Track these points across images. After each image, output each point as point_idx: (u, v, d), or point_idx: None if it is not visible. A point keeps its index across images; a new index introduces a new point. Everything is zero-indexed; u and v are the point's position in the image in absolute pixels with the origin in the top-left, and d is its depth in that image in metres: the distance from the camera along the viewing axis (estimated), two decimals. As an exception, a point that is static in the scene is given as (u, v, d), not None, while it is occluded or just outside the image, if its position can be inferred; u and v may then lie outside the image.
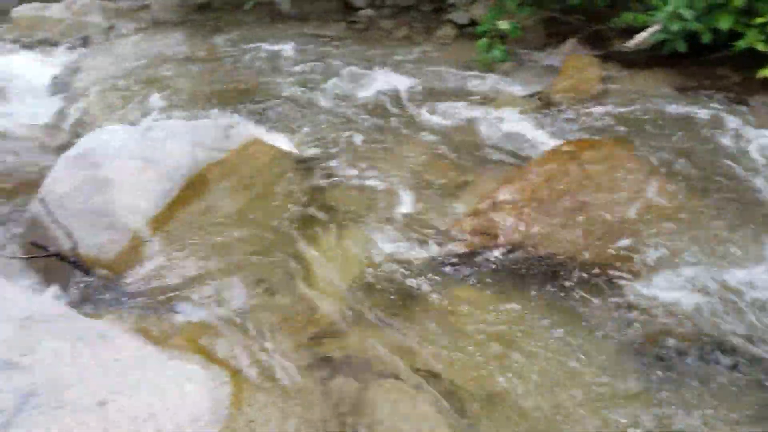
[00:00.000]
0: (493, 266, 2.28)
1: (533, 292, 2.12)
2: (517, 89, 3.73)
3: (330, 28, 4.79)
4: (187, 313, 2.09)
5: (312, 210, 2.72)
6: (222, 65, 4.20)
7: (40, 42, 4.94)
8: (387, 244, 2.48)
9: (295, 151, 3.24)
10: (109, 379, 1.52)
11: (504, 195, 2.52)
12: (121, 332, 1.73)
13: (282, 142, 3.37)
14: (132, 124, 3.10)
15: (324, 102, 3.77)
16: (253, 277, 2.30)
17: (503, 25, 3.80)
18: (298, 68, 4.20)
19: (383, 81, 4.00)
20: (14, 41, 5.06)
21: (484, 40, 3.85)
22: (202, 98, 3.73)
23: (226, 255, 2.38)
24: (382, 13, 4.91)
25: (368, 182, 2.91)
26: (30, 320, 1.63)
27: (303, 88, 3.93)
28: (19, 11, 5.30)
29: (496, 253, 2.31)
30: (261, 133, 3.42)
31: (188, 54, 4.33)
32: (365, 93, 3.88)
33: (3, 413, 1.30)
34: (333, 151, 3.23)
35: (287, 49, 4.47)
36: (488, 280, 2.21)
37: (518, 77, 3.87)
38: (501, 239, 2.35)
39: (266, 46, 4.49)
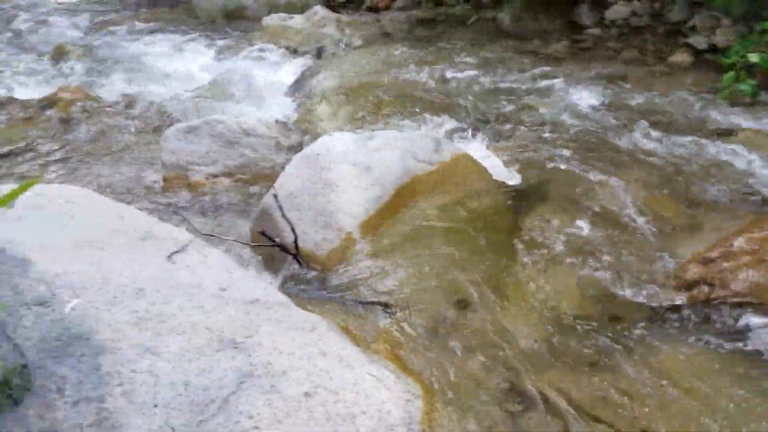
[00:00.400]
0: (719, 324, 2.02)
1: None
2: (762, 126, 3.30)
3: (552, 47, 4.67)
4: (386, 318, 2.16)
5: (517, 234, 2.66)
6: (440, 78, 4.31)
7: (281, 49, 5.50)
8: (594, 282, 2.34)
9: (503, 170, 3.20)
10: (315, 372, 1.62)
11: (741, 243, 2.23)
12: (328, 328, 1.84)
13: (491, 159, 3.35)
14: (355, 130, 3.32)
15: (537, 122, 3.69)
16: (452, 292, 2.30)
17: (753, 57, 3.39)
18: (513, 85, 4.16)
19: (604, 104, 3.80)
20: (261, 46, 5.70)
21: (731, 74, 3.47)
22: (418, 109, 3.86)
23: (428, 266, 2.42)
24: (610, 33, 4.68)
25: (579, 212, 2.77)
26: (254, 305, 1.80)
27: (516, 106, 3.88)
28: (269, 20, 5.95)
29: (725, 309, 2.05)
30: (470, 148, 3.44)
31: (409, 66, 4.51)
32: (583, 115, 3.71)
33: (225, 388, 1.44)
34: (543, 174, 3.14)
35: (505, 64, 4.45)
36: (711, 338, 1.96)
37: (764, 114, 3.42)
38: (732, 294, 2.08)
39: (484, 61, 4.51)
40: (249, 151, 3.39)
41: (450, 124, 3.69)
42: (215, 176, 3.38)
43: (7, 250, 1.58)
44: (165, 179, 3.39)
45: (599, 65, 4.31)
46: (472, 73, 4.33)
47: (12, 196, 0.87)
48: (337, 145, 2.73)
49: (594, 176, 2.96)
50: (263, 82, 4.79)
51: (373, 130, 3.60)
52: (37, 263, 1.51)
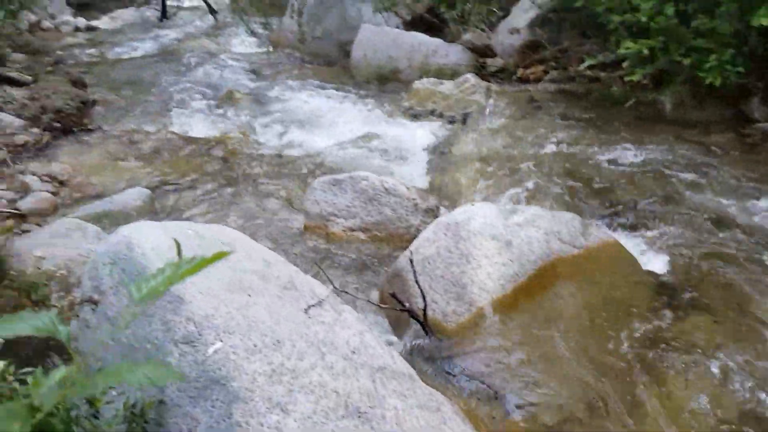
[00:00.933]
0: None
1: None
2: None
3: (714, 137, 4.36)
4: (512, 407, 2.04)
5: (663, 334, 2.44)
6: (589, 158, 4.16)
7: (429, 112, 5.63)
8: (749, 401, 2.07)
9: (654, 261, 2.98)
10: (435, 457, 1.54)
11: None
12: (453, 411, 1.76)
13: (641, 248, 3.14)
14: (497, 201, 3.27)
15: (693, 215, 3.42)
16: (585, 390, 2.14)
17: None
18: (668, 172, 3.92)
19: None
20: (409, 108, 5.87)
21: None
22: (563, 187, 3.74)
23: (561, 356, 2.28)
24: (786, 129, 4.29)
25: (738, 322, 2.49)
26: (381, 372, 1.77)
27: (671, 196, 3.63)
28: (419, 84, 6.13)
29: None
30: (619, 235, 3.26)
31: (558, 142, 4.41)
32: (747, 216, 3.40)
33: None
34: (698, 272, 2.89)
35: (661, 151, 4.22)
36: None
37: None
38: None
39: (638, 144, 4.30)
40: (388, 209, 3.45)
41: (597, 206, 3.52)
42: (352, 230, 3.46)
43: (166, 284, 1.69)
44: (306, 227, 3.53)
45: (765, 163, 3.96)
46: (624, 155, 4.13)
47: (203, 265, 0.91)
48: (479, 215, 2.69)
49: (759, 287, 2.66)
50: (408, 142, 4.91)
51: (514, 204, 3.54)
52: (190, 302, 1.60)
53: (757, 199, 3.57)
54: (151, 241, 1.86)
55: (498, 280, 2.52)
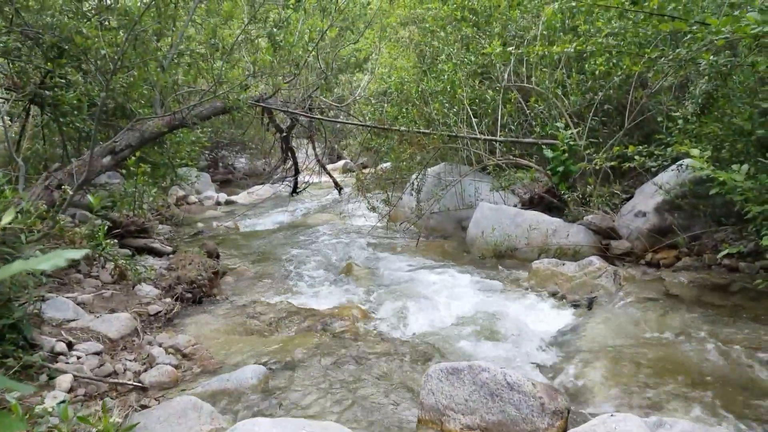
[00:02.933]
0: None
1: None
2: None
3: None
4: None
5: None
6: (736, 360, 3.68)
7: (551, 294, 5.40)
8: None
9: None
10: None
11: None
12: None
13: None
14: (636, 412, 2.89)
15: None
16: None
17: None
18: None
19: None
20: (528, 288, 5.68)
21: None
22: (710, 395, 3.28)
23: None
24: None
25: None
26: None
27: None
28: (539, 264, 5.98)
29: None
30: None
31: (697, 338, 3.98)
32: None
33: None
34: None
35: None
36: None
37: None
38: None
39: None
40: (511, 408, 3.16)
41: (753, 423, 3.01)
42: (471, 429, 3.18)
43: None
44: (420, 420, 3.30)
45: None
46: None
47: None
48: (621, 430, 2.36)
49: None
50: (528, 327, 4.66)
51: (656, 413, 3.13)
52: None
53: None
54: (265, 445, 1.76)
55: None
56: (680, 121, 4.91)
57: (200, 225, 9.08)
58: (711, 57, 4.27)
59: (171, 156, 7.50)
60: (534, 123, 7.49)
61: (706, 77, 4.68)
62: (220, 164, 15.69)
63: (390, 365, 4.05)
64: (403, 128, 8.10)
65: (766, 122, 4.31)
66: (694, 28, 3.93)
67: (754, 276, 4.69)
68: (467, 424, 3.18)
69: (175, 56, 7.40)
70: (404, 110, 8.64)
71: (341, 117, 11.33)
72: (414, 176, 8.26)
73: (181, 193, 11.03)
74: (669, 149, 4.76)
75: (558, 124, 7.00)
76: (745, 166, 3.91)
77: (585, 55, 6.68)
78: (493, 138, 7.75)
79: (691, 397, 3.28)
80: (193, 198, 11.44)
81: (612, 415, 2.52)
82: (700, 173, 4.07)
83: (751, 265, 4.97)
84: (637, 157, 5.35)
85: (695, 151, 3.90)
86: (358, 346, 4.38)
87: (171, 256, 6.14)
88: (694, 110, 5.01)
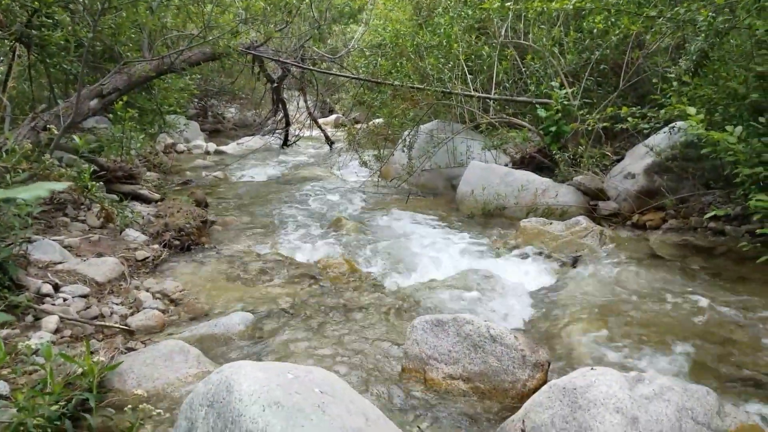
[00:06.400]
0: None
1: None
2: None
3: None
4: None
5: None
6: (718, 321, 3.76)
7: (537, 252, 5.45)
8: None
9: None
10: None
11: None
12: None
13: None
14: (617, 367, 2.96)
15: None
16: None
17: None
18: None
19: None
20: (516, 246, 5.72)
21: None
22: (689, 354, 3.35)
23: None
24: None
25: None
26: None
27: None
28: (527, 223, 6.02)
29: None
30: (758, 419, 2.81)
31: (682, 299, 4.05)
32: None
33: None
34: None
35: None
36: None
37: None
38: None
39: (775, 308, 3.86)
40: (493, 359, 3.21)
41: (733, 379, 3.10)
42: (453, 378, 3.24)
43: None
44: (404, 369, 3.36)
45: None
46: (758, 319, 3.70)
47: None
48: (600, 383, 2.42)
49: None
50: (513, 284, 4.71)
51: (636, 368, 3.20)
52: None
53: None
54: (251, 384, 1.78)
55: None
56: (675, 83, 4.88)
57: (189, 174, 9.01)
58: (709, 14, 4.22)
59: (159, 102, 7.38)
60: (529, 81, 7.41)
61: (703, 35, 4.63)
62: (210, 113, 15.46)
63: (376, 316, 4.09)
64: (396, 83, 7.99)
65: (761, 86, 4.29)
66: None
67: (740, 239, 4.75)
68: (449, 374, 3.24)
69: (164, -2, 7.19)
70: (398, 64, 8.51)
71: (334, 69, 11.15)
72: (406, 133, 8.20)
73: (169, 141, 10.88)
74: (662, 111, 4.74)
75: (553, 83, 6.94)
76: (739, 128, 3.91)
77: (583, 12, 6.57)
78: (488, 96, 7.68)
79: (670, 353, 3.36)
80: (181, 147, 11.30)
81: (592, 369, 2.57)
82: (692, 135, 4.07)
83: (737, 228, 5.02)
84: (630, 119, 5.33)
85: (691, 110, 3.89)
86: (346, 297, 4.41)
87: (159, 203, 6.10)
88: (688, 68, 4.97)
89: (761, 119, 4.10)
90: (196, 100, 14.05)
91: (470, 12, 7.84)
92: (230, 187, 8.52)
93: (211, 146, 11.86)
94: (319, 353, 3.49)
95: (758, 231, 3.98)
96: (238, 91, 15.03)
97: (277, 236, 6.03)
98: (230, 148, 12.01)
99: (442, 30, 7.90)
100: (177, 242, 5.14)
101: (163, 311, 3.85)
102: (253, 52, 8.94)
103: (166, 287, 4.16)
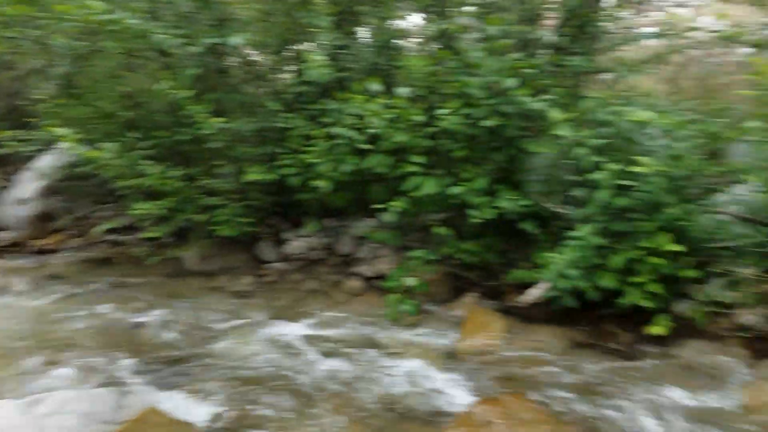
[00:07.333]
0: None
1: None
2: (425, 341, 3.80)
3: (239, 283, 4.79)
4: None
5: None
6: (119, 326, 4.05)
7: None
8: None
9: (197, 423, 2.99)
10: None
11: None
12: None
13: (188, 407, 3.14)
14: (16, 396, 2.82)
15: (232, 359, 3.66)
16: None
17: (410, 281, 4.02)
18: (204, 323, 4.11)
19: (289, 332, 4.00)
20: None
21: (393, 296, 4.01)
22: (97, 362, 3.50)
23: None
24: (292, 266, 5.01)
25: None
26: None
27: (209, 344, 3.83)
28: None
29: None
30: (162, 398, 3.19)
31: (86, 314, 4.19)
32: (271, 345, 3.82)
33: None
34: (233, 413, 3.07)
35: (193, 303, 4.41)
36: None
37: (425, 329, 3.96)
38: None
39: (171, 300, 4.42)
40: None
41: (136, 373, 3.41)
42: None
43: None
44: None
45: (284, 296, 4.54)
46: (154, 315, 4.19)
47: None
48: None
49: (284, 414, 2.98)
50: None
51: (32, 393, 3.11)
52: None
53: (282, 330, 4.00)
54: None
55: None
56: (47, 105, 4.88)
57: None
58: (67, 40, 4.36)
59: None
60: None
61: (68, 60, 4.78)
62: None
63: None
64: None
65: (126, 105, 4.77)
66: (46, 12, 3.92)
67: (135, 246, 5.19)
68: None
69: None
70: None
71: None
72: None
73: None
74: (39, 132, 4.67)
75: None
76: (114, 144, 4.20)
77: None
78: None
79: (81, 368, 3.43)
80: None
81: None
82: (77, 155, 4.18)
83: (134, 237, 5.43)
84: (13, 143, 5.03)
85: (61, 130, 3.97)
86: None
87: None
88: (57, 92, 5.04)
89: (130, 134, 4.55)
90: None
91: None
92: None
93: None
94: None
95: (142, 236, 4.43)
96: None
97: None
98: None
99: None
100: None
101: None
102: None
103: None
